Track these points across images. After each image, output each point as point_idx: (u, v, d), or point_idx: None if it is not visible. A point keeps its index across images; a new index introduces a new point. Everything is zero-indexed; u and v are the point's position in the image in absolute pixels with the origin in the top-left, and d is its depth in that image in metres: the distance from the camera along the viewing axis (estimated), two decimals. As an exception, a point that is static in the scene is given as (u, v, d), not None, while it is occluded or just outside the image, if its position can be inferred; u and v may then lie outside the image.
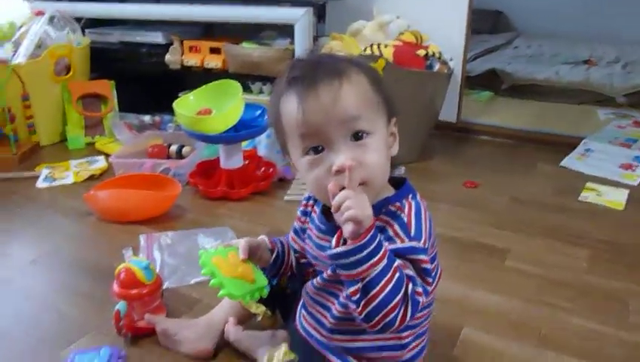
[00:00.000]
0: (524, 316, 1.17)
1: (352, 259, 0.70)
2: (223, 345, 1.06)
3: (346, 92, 0.76)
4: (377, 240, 0.71)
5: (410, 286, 0.72)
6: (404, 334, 0.86)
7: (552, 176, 2.00)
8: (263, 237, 0.98)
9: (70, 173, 2.00)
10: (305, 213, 0.96)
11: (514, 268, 1.37)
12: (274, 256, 0.96)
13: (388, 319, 0.71)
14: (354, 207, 0.69)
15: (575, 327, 1.14)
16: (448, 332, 1.11)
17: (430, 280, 0.76)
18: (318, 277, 0.89)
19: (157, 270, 1.27)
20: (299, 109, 0.75)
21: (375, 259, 0.70)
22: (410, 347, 0.88)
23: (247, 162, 1.84)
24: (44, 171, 2.00)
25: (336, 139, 0.76)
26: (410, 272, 0.74)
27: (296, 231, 0.98)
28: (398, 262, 0.73)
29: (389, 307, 0.71)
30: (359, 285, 0.71)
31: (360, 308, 0.72)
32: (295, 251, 0.99)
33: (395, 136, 0.84)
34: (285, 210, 1.72)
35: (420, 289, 0.74)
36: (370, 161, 0.76)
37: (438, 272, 0.87)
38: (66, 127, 2.34)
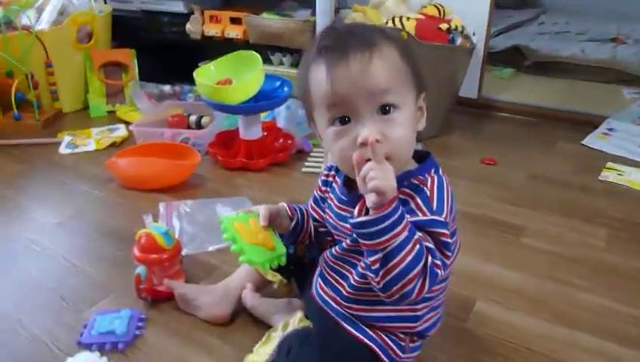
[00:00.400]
0: (539, 292, 1.18)
1: (375, 228, 0.70)
2: (240, 310, 1.08)
3: (377, 64, 0.75)
4: (400, 211, 0.71)
5: (430, 258, 0.73)
6: (419, 306, 0.87)
7: (573, 154, 1.98)
8: (282, 204, 0.98)
9: (92, 140, 2.03)
10: (326, 183, 0.96)
11: (529, 244, 1.37)
12: (293, 223, 0.97)
13: (406, 290, 0.72)
14: (378, 178, 0.69)
15: (589, 304, 1.14)
16: (462, 305, 1.12)
17: (449, 253, 0.76)
18: (337, 246, 0.90)
19: (176, 236, 1.29)
20: (327, 79, 0.75)
21: (397, 229, 0.70)
22: (425, 319, 0.89)
23: (265, 133, 1.85)
24: (66, 138, 2.04)
25: (363, 111, 0.75)
26: (430, 245, 0.74)
27: (316, 201, 0.99)
28: (419, 234, 0.73)
29: (408, 278, 0.71)
30: (379, 255, 0.71)
31: (379, 278, 0.72)
32: (314, 220, 1.00)
33: (422, 111, 0.84)
34: (303, 181, 1.73)
35: (438, 262, 0.74)
36: (395, 135, 0.76)
37: (457, 246, 0.88)
38: (87, 95, 2.37)
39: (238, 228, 0.88)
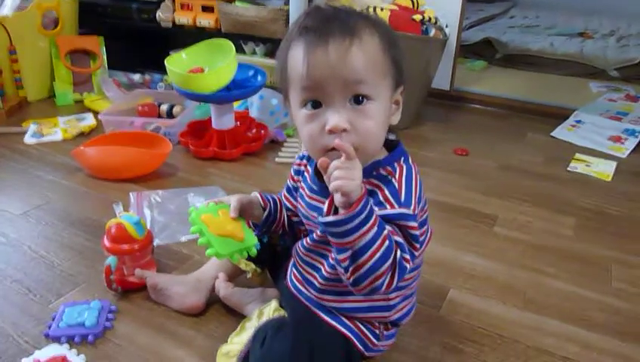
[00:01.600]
0: (510, 279, 1.20)
1: (343, 228, 0.70)
2: (213, 300, 1.07)
3: (355, 53, 0.73)
4: (368, 208, 0.70)
5: (399, 253, 0.73)
6: (392, 296, 0.87)
7: (542, 145, 2.01)
8: (255, 194, 0.97)
9: (58, 129, 1.97)
10: (298, 172, 0.96)
11: (501, 233, 1.39)
12: (266, 213, 0.96)
13: (375, 284, 0.72)
14: (342, 178, 0.68)
15: (558, 291, 1.16)
16: (435, 294, 1.13)
17: (417, 245, 0.77)
18: (308, 238, 0.90)
19: (147, 227, 1.27)
20: (304, 61, 0.74)
21: (365, 228, 0.69)
22: (398, 308, 0.89)
23: (238, 123, 1.83)
24: (31, 127, 1.97)
25: (336, 98, 0.74)
26: (399, 239, 0.74)
27: (289, 190, 0.98)
28: (388, 228, 0.73)
29: (377, 274, 0.71)
30: (348, 253, 0.71)
31: (348, 274, 0.72)
32: (288, 209, 0.99)
33: (398, 105, 0.82)
34: (276, 171, 1.71)
35: (407, 256, 0.74)
36: (364, 127, 0.75)
37: (428, 235, 0.88)
38: (54, 83, 2.30)
39: (205, 220, 0.87)
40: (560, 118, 2.21)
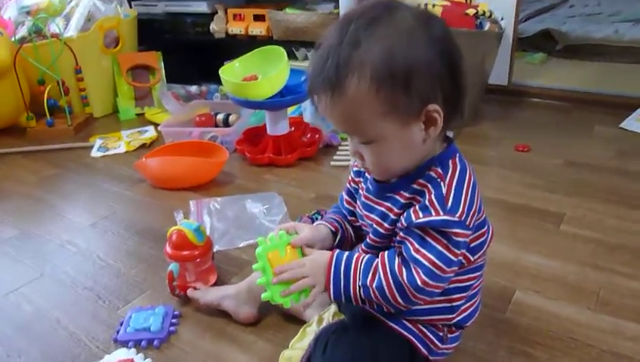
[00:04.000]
0: (580, 280, 1.14)
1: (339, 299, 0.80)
2: (271, 308, 1.06)
3: (339, 110, 0.72)
4: (342, 286, 0.79)
5: (405, 274, 0.75)
6: (455, 296, 0.84)
7: (611, 138, 1.91)
8: (322, 225, 0.93)
9: (122, 142, 2.05)
10: (359, 174, 0.93)
11: (569, 232, 1.32)
12: (338, 238, 0.93)
13: (401, 304, 0.77)
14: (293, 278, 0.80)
15: (635, 292, 1.09)
16: (500, 296, 1.09)
17: (457, 251, 0.74)
18: (363, 244, 0.88)
19: (207, 233, 1.29)
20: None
21: (351, 291, 0.78)
22: (462, 309, 0.86)
23: (293, 129, 1.84)
24: (97, 141, 2.07)
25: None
26: (392, 264, 0.76)
27: (349, 193, 0.96)
28: (374, 263, 0.78)
29: (390, 301, 0.76)
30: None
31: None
32: (350, 213, 0.97)
33: (434, 121, 0.72)
34: (331, 175, 1.71)
35: (416, 276, 0.74)
36: (375, 163, 0.77)
37: (489, 236, 0.84)
38: (117, 99, 2.40)
39: (271, 258, 0.83)
40: (629, 109, 2.09)
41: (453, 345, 0.89)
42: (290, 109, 1.89)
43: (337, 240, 0.93)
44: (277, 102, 1.71)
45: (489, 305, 1.05)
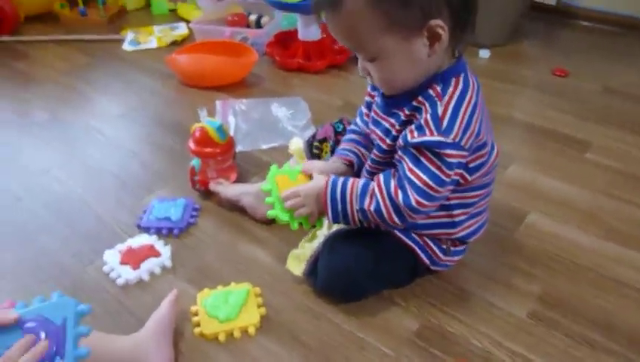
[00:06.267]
0: (594, 207, 1.14)
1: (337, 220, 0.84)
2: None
3: (339, 27, 0.74)
4: (339, 209, 0.82)
5: (400, 196, 0.77)
6: (456, 212, 0.86)
7: (656, 68, 1.82)
8: (336, 160, 0.96)
9: (154, 37, 2.05)
10: (374, 87, 0.93)
11: (592, 160, 1.31)
12: (355, 168, 0.95)
13: (396, 221, 0.79)
14: (294, 206, 0.85)
15: (647, 224, 1.10)
16: (511, 216, 1.11)
17: (450, 172, 0.75)
18: (369, 160, 0.90)
19: (231, 133, 1.32)
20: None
21: (349, 214, 0.82)
22: (464, 225, 0.88)
23: (324, 35, 1.80)
24: (129, 35, 2.06)
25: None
26: (389, 186, 0.78)
27: (368, 105, 0.96)
28: (370, 186, 0.80)
29: (387, 220, 0.80)
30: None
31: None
32: (366, 124, 0.98)
33: (438, 36, 0.71)
34: (360, 84, 1.69)
35: (399, 191, 0.77)
36: (380, 77, 0.78)
37: (493, 157, 0.84)
38: (150, -8, 2.36)
39: (279, 181, 0.89)
40: (682, 38, 1.97)
41: (457, 258, 0.93)
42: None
43: (355, 169, 0.95)
44: (310, 5, 1.66)
45: (499, 223, 1.07)
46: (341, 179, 0.84)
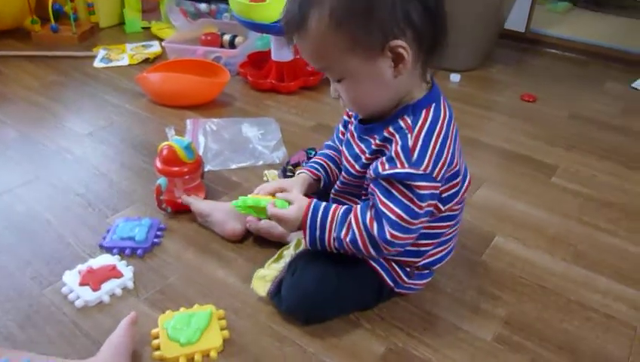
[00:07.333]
0: (562, 232, 1.15)
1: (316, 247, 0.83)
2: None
3: (307, 47, 0.75)
4: (318, 224, 0.81)
5: (376, 228, 0.76)
6: (422, 242, 0.85)
7: (620, 96, 1.87)
8: (304, 175, 0.95)
9: (126, 55, 2.03)
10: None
11: (559, 185, 1.33)
12: (322, 184, 0.96)
13: (372, 253, 0.79)
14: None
15: (613, 249, 1.11)
16: (480, 239, 1.11)
17: (422, 204, 0.75)
18: (338, 181, 0.90)
19: (200, 153, 1.30)
20: None
21: (326, 242, 0.81)
22: (429, 254, 0.88)
23: (297, 56, 1.80)
24: (101, 52, 2.04)
25: None
26: (364, 220, 0.77)
27: (345, 124, 0.96)
28: (348, 217, 0.79)
29: (362, 251, 0.79)
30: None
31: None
32: (342, 143, 0.97)
33: (402, 56, 0.71)
34: (332, 105, 1.70)
35: (390, 229, 0.75)
36: (349, 99, 0.78)
37: (464, 186, 0.84)
38: (123, 10, 2.34)
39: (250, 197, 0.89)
40: (645, 68, 2.04)
41: (423, 281, 0.92)
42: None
43: (321, 185, 0.96)
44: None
45: (467, 246, 1.07)
46: (323, 205, 0.82)
